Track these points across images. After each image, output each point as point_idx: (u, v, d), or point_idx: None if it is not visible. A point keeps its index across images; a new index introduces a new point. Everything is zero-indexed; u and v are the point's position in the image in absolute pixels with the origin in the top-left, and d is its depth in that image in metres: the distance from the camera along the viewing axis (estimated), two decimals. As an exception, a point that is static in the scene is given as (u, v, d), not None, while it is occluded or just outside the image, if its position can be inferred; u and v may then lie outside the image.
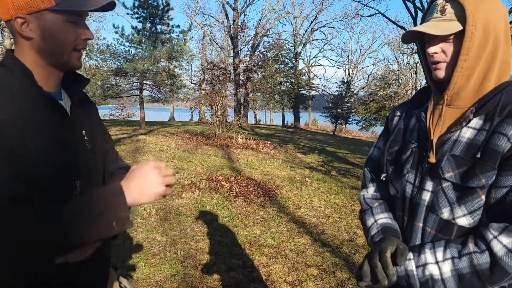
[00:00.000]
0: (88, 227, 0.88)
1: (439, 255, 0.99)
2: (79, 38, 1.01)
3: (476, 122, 1.02)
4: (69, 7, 0.96)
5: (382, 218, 1.22)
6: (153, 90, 15.68)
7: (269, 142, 13.27)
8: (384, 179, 1.24)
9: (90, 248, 0.98)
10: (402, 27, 19.13)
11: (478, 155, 0.97)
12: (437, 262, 0.98)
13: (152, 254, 3.67)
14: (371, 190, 1.34)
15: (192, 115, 32.25)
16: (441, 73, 1.07)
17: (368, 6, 20.31)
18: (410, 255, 1.03)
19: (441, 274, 0.96)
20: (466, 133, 1.03)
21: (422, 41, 1.14)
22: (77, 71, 1.11)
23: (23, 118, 0.92)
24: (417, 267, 1.00)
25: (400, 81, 33.56)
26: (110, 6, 1.03)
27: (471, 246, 0.95)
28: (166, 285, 3.09)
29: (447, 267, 0.96)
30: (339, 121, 30.64)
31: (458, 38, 1.02)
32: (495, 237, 0.92)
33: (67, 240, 0.87)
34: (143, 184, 0.98)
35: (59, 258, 0.93)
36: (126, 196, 0.94)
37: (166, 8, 14.42)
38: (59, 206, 0.89)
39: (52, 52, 0.99)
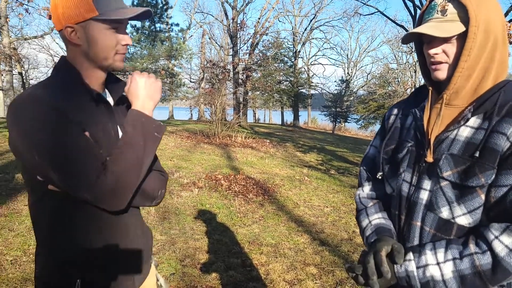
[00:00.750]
0: (146, 143, 1.12)
1: (440, 256, 0.98)
2: (119, 44, 1.15)
3: (474, 121, 1.02)
4: (110, 16, 1.09)
5: (376, 218, 1.22)
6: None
7: (268, 140, 13.27)
8: (380, 177, 1.24)
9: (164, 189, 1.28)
10: (402, 26, 19.15)
11: (477, 154, 0.97)
12: (438, 264, 0.97)
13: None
14: (366, 189, 1.33)
15: (191, 114, 32.22)
16: (441, 74, 1.06)
17: (367, 5, 20.34)
18: (411, 255, 1.03)
19: (442, 275, 0.96)
20: (464, 132, 1.02)
21: (420, 40, 1.14)
22: (118, 75, 1.24)
23: (82, 109, 1.10)
24: (417, 268, 1.00)
25: (399, 79, 33.58)
26: (146, 15, 1.16)
27: (472, 247, 0.95)
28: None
29: (448, 268, 0.96)
30: (338, 120, 30.69)
31: (460, 38, 1.01)
32: (496, 237, 0.91)
33: (145, 154, 1.11)
34: (146, 92, 1.18)
35: (157, 192, 1.23)
36: (144, 111, 1.15)
37: (165, 7, 14.41)
38: (124, 145, 1.09)
39: (96, 56, 1.13)
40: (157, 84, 1.22)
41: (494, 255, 0.90)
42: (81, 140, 1.03)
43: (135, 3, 13.71)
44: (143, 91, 1.17)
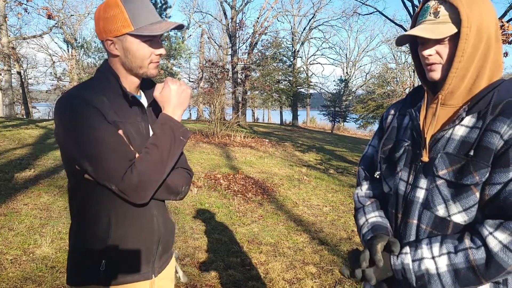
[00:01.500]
0: (172, 146, 1.24)
1: (436, 250, 1.00)
2: (153, 54, 1.25)
3: (469, 120, 1.04)
4: (144, 32, 1.18)
5: (373, 216, 1.25)
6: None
7: (267, 140, 13.28)
8: (378, 176, 1.26)
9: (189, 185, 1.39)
10: (400, 26, 19.11)
11: (472, 153, 0.99)
12: (433, 257, 1.00)
13: (151, 252, 3.67)
14: (364, 188, 1.36)
15: (190, 113, 32.20)
16: (436, 75, 1.08)
17: (366, 5, 20.33)
18: (407, 249, 1.05)
19: (437, 268, 0.98)
20: (459, 131, 1.04)
21: (414, 42, 1.15)
22: (152, 78, 1.37)
23: (118, 110, 1.22)
24: (413, 261, 1.02)
25: (398, 79, 33.60)
26: (179, 27, 1.25)
27: (467, 242, 0.97)
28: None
29: (443, 262, 0.98)
30: (337, 119, 30.71)
31: (453, 39, 1.03)
32: (490, 233, 0.93)
33: (170, 156, 1.23)
34: (177, 98, 1.29)
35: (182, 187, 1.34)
36: (174, 116, 1.28)
37: (164, 6, 14.40)
38: (151, 146, 1.22)
39: (131, 66, 1.24)
40: (188, 92, 1.32)
41: (488, 250, 0.92)
42: (115, 138, 1.15)
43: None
44: (175, 98, 1.28)
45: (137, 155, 1.20)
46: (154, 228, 1.31)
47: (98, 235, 1.22)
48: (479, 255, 0.93)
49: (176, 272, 1.51)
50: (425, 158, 1.09)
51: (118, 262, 1.25)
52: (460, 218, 1.02)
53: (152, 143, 1.22)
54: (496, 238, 0.92)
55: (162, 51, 1.28)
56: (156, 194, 1.25)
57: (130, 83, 1.29)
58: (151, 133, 1.33)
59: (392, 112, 1.31)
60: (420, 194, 1.09)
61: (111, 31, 1.19)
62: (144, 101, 1.38)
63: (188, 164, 1.44)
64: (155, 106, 1.37)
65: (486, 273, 0.93)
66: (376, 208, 1.28)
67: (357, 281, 1.10)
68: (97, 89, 1.21)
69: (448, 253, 0.98)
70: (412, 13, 15.18)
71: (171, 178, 1.29)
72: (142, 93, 1.39)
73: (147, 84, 1.40)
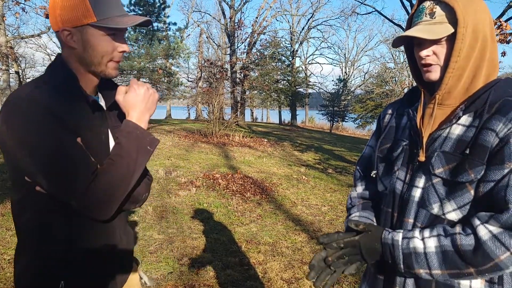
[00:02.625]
0: (138, 156, 1.10)
1: (426, 233, 1.02)
2: (116, 51, 1.13)
3: (465, 119, 1.04)
4: (108, 24, 1.07)
5: (357, 216, 1.26)
6: (150, 88, 15.60)
7: (266, 140, 13.28)
8: (374, 176, 1.26)
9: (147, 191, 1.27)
10: (399, 25, 19.14)
11: (467, 151, 1.00)
12: (423, 238, 1.01)
13: (149, 252, 3.68)
14: (359, 189, 1.37)
15: (189, 113, 32.13)
16: (433, 75, 1.08)
17: (365, 4, 20.34)
18: (401, 230, 1.07)
19: (425, 248, 0.99)
20: (456, 130, 1.05)
21: (409, 43, 1.15)
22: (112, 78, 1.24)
23: (76, 114, 1.08)
24: (403, 238, 1.04)
25: (396, 79, 33.59)
26: (146, 24, 1.15)
27: (457, 228, 0.98)
28: (162, 283, 3.10)
29: (431, 243, 0.99)
30: (335, 119, 30.72)
31: (449, 40, 1.03)
32: (481, 223, 0.94)
33: (136, 167, 1.10)
34: (144, 103, 1.16)
35: (140, 196, 1.21)
36: (140, 124, 1.13)
37: (162, 6, 14.41)
38: (116, 156, 1.08)
39: (90, 61, 1.12)
40: (155, 97, 1.20)
41: (477, 238, 0.93)
42: (73, 148, 1.02)
43: (132, 1, 13.68)
44: (141, 104, 1.15)
45: (98, 166, 1.06)
46: (116, 241, 1.22)
47: (54, 253, 1.10)
48: (467, 241, 0.94)
49: (141, 278, 1.46)
50: (422, 157, 1.09)
51: (78, 281, 1.13)
52: (454, 215, 1.03)
53: (117, 154, 1.08)
54: (486, 228, 0.93)
55: (125, 47, 1.16)
56: (121, 206, 1.14)
57: (88, 82, 1.16)
58: (111, 139, 1.21)
59: (390, 111, 1.31)
60: (416, 193, 1.10)
61: (69, 21, 1.06)
62: (102, 103, 1.25)
63: (147, 169, 1.32)
64: (115, 110, 1.24)
65: (473, 260, 0.93)
66: (362, 209, 1.29)
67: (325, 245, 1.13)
68: (54, 90, 1.06)
69: (438, 235, 1.00)
70: (410, 13, 15.18)
71: (135, 188, 1.17)
72: (100, 94, 1.26)
73: (106, 84, 1.26)
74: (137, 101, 1.14)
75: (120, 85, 1.23)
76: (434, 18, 1.04)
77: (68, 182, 1.00)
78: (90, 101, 1.13)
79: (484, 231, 0.93)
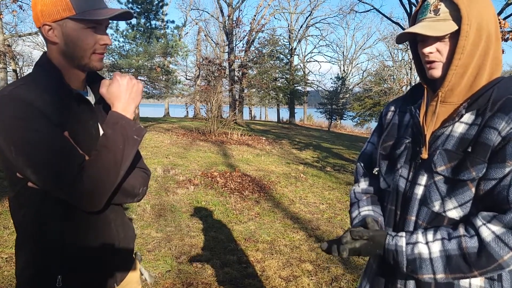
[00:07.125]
0: (125, 146, 1.11)
1: (430, 236, 1.01)
2: (97, 44, 1.14)
3: (468, 117, 1.04)
4: (87, 17, 1.08)
5: (366, 210, 1.25)
6: (148, 86, 15.59)
7: (264, 138, 13.28)
8: (376, 173, 1.26)
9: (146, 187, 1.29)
10: (397, 23, 19.16)
11: (469, 149, 0.99)
12: (427, 243, 1.00)
13: (147, 250, 3.67)
14: (362, 185, 1.36)
15: (187, 111, 32.10)
16: (436, 72, 1.08)
17: (363, 2, 20.36)
18: (403, 233, 1.06)
19: (430, 253, 0.99)
20: (459, 128, 1.04)
21: (414, 40, 1.15)
22: (98, 72, 1.25)
23: (62, 109, 1.09)
24: (407, 244, 1.03)
25: (395, 77, 33.63)
26: (126, 16, 1.16)
27: (461, 230, 0.98)
28: (161, 281, 3.09)
29: (436, 248, 0.98)
30: (334, 117, 30.71)
31: (453, 37, 1.02)
32: (484, 224, 0.94)
33: (124, 157, 1.10)
34: (128, 93, 1.17)
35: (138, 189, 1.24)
36: (125, 113, 1.14)
37: (160, 4, 14.35)
38: (102, 148, 1.09)
39: (73, 55, 1.12)
40: (139, 87, 1.20)
41: (480, 239, 0.93)
42: (59, 141, 1.04)
43: (130, 0, 13.62)
44: (125, 94, 1.16)
45: (86, 157, 1.08)
46: (112, 235, 1.23)
47: (50, 247, 1.12)
48: (472, 243, 0.94)
49: (142, 274, 1.46)
50: (425, 155, 1.09)
51: (75, 276, 1.14)
52: (455, 213, 1.03)
53: (103, 145, 1.09)
54: (489, 229, 0.93)
55: (107, 40, 1.16)
56: (112, 198, 1.15)
57: (74, 77, 1.17)
58: (101, 132, 1.20)
59: (392, 108, 1.31)
60: (419, 190, 1.09)
61: (49, 15, 1.07)
62: (91, 97, 1.26)
63: (145, 163, 1.34)
64: (105, 103, 1.24)
65: (477, 263, 0.93)
66: (371, 203, 1.28)
67: (332, 254, 1.11)
68: (37, 86, 1.07)
69: (442, 239, 0.99)
70: (408, 11, 15.19)
71: (127, 180, 1.19)
72: (89, 88, 1.26)
73: (94, 78, 1.27)
74: (121, 92, 1.16)
75: (104, 78, 1.24)
76: (439, 15, 1.03)
77: (55, 174, 1.01)
78: (74, 95, 1.13)
79: (487, 232, 0.92)
